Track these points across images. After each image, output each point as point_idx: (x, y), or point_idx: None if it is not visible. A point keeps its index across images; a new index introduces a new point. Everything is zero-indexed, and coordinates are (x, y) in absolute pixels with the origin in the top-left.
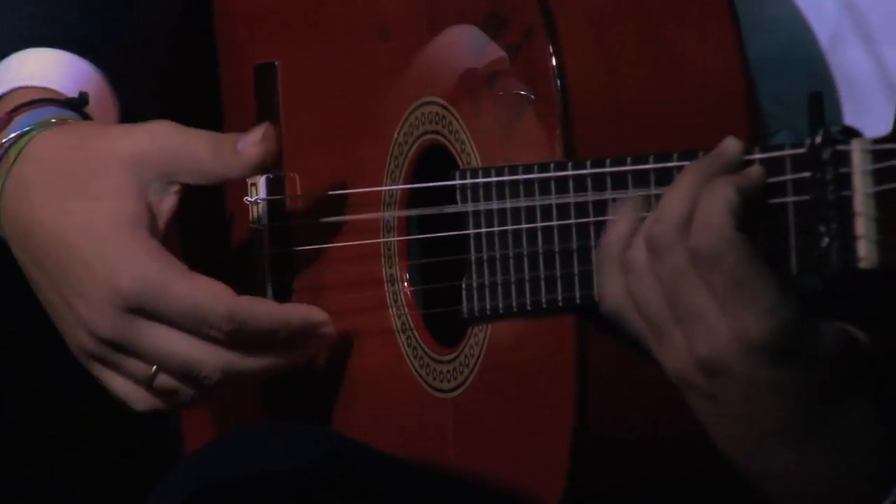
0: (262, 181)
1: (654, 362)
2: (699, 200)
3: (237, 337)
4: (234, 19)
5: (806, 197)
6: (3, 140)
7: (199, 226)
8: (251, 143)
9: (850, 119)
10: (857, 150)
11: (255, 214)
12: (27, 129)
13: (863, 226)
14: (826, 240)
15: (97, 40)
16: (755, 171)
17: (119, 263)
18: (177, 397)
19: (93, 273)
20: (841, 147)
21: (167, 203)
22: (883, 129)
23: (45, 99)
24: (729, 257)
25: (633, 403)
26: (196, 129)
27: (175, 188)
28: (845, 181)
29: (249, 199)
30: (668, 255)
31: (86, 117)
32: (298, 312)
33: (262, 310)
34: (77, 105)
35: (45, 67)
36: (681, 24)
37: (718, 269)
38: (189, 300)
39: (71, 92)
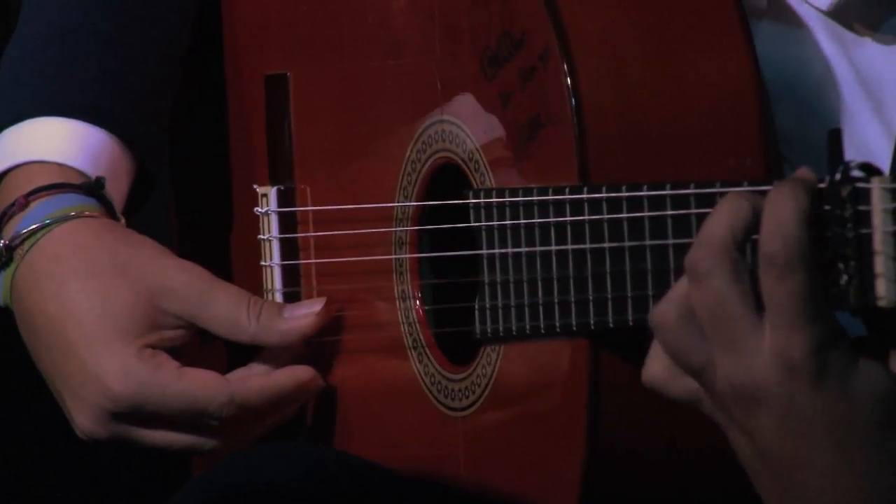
0: (272, 193)
1: None
2: (767, 207)
3: (235, 419)
4: (243, 30)
5: (825, 233)
6: (20, 229)
7: (206, 235)
8: (301, 314)
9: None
10: (876, 188)
11: (265, 226)
12: (47, 221)
13: (882, 264)
14: (845, 277)
15: (113, 105)
16: (811, 175)
17: (112, 370)
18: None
19: (88, 377)
20: (860, 184)
21: (177, 335)
22: (880, 163)
23: (62, 184)
24: (801, 272)
25: (645, 427)
26: (232, 285)
27: (192, 328)
28: (864, 219)
29: (260, 210)
30: (707, 279)
31: (103, 200)
32: (289, 379)
33: (256, 387)
34: (94, 189)
35: (60, 140)
36: (695, 46)
37: (789, 280)
38: (186, 398)
39: (86, 166)
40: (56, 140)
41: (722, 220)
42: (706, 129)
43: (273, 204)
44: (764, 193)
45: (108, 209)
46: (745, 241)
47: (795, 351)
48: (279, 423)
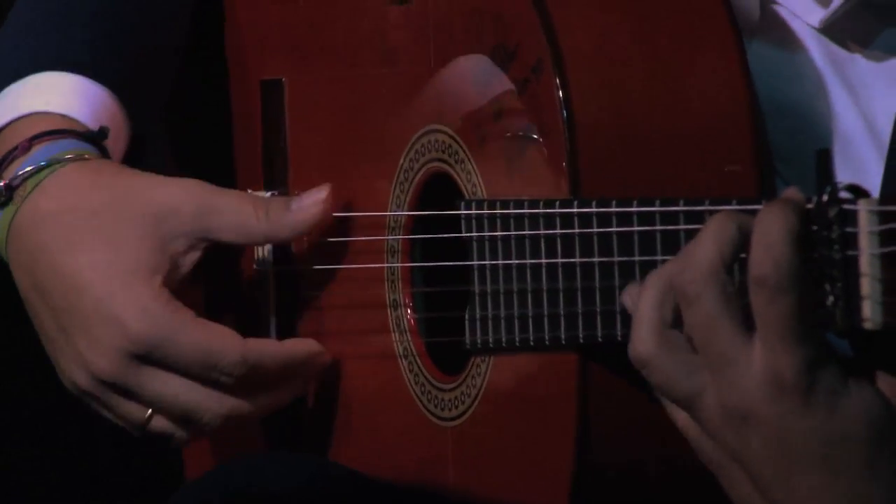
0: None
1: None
2: (757, 228)
3: (245, 381)
4: (243, 35)
5: (812, 254)
6: (23, 169)
7: None
8: (308, 203)
9: (844, 175)
10: (863, 210)
11: None
12: (48, 161)
13: (868, 286)
14: (831, 298)
15: (111, 64)
16: (799, 195)
17: (131, 308)
18: (169, 439)
19: (102, 315)
20: (848, 206)
21: (191, 257)
22: (872, 180)
23: (65, 130)
24: (792, 293)
25: (634, 439)
26: (234, 191)
27: (203, 245)
28: (851, 241)
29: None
30: (698, 302)
31: (104, 151)
32: (300, 348)
33: (270, 351)
34: (96, 138)
35: (63, 93)
36: (688, 61)
37: (780, 301)
38: (201, 347)
39: (87, 119)
40: (59, 93)
41: (709, 242)
42: (698, 144)
43: None
44: (752, 213)
45: (107, 158)
46: (734, 261)
47: (786, 370)
48: (280, 406)
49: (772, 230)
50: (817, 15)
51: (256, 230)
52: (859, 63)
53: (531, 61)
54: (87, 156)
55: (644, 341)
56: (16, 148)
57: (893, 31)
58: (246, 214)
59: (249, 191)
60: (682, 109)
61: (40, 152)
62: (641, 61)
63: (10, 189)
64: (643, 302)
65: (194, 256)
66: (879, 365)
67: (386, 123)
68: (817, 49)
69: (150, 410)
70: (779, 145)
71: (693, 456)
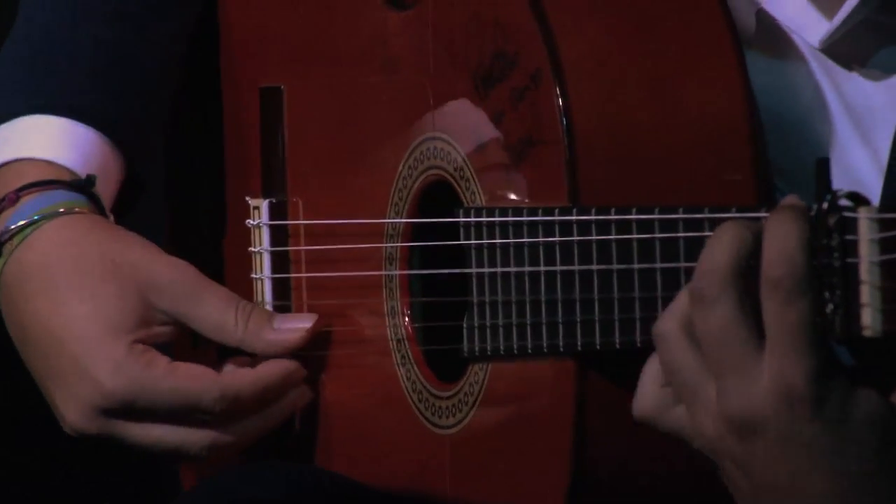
0: (264, 205)
1: None
2: (769, 233)
3: (226, 413)
4: (240, 42)
5: (812, 262)
6: (10, 224)
7: (198, 246)
8: (291, 327)
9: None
10: (863, 218)
11: (256, 238)
12: (36, 217)
13: (867, 294)
14: (830, 306)
15: (103, 105)
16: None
17: (105, 365)
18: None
19: (78, 370)
20: (847, 214)
21: (165, 332)
22: (871, 194)
23: (53, 181)
24: (806, 298)
25: (631, 448)
26: (222, 287)
27: (178, 326)
28: (851, 248)
29: (251, 222)
30: (714, 306)
31: (93, 198)
32: (275, 369)
33: (248, 379)
34: (84, 187)
35: (49, 138)
36: (688, 70)
37: (794, 305)
38: (179, 393)
39: (76, 164)
40: (46, 138)
41: (726, 248)
42: (697, 153)
43: (265, 216)
44: (752, 220)
45: (98, 207)
46: (749, 268)
47: (798, 378)
48: (266, 429)
49: (787, 233)
50: (817, 33)
51: (232, 336)
52: (857, 80)
53: (531, 69)
54: (77, 209)
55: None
56: (3, 200)
57: (890, 49)
58: (227, 316)
59: (248, 198)
60: (682, 119)
61: (29, 205)
62: (641, 71)
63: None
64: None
65: (170, 332)
66: (878, 372)
67: (385, 131)
68: (815, 64)
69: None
70: (776, 158)
71: (690, 466)
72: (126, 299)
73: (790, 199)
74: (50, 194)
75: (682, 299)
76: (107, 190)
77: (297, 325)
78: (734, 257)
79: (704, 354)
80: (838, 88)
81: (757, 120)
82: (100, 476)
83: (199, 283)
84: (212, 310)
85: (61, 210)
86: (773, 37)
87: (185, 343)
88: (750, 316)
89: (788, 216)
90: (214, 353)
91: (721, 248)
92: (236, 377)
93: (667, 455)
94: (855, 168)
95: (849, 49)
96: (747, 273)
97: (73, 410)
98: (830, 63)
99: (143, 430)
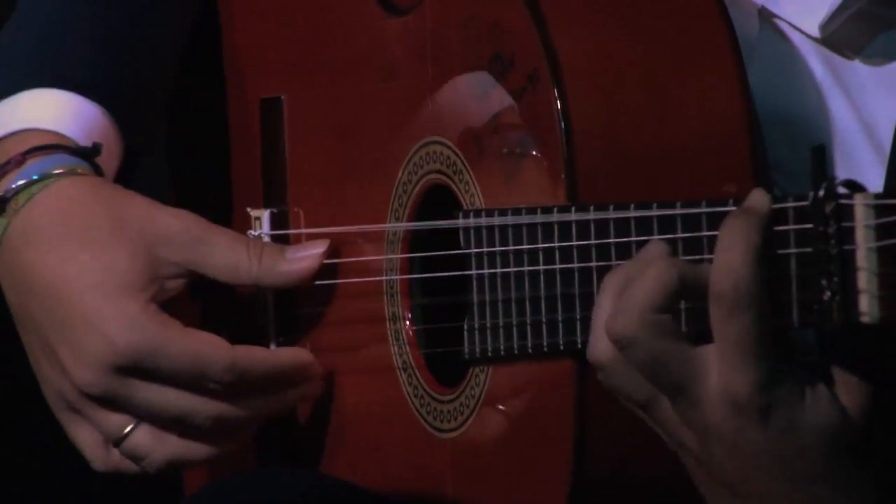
0: (265, 215)
1: None
2: (719, 241)
3: (234, 387)
4: (242, 54)
5: (808, 249)
6: (15, 182)
7: None
8: (304, 254)
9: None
10: (860, 205)
11: None
12: (41, 175)
13: (865, 280)
14: (828, 293)
15: (105, 82)
16: (763, 203)
17: (118, 321)
18: (141, 463)
19: (90, 327)
20: (844, 201)
21: (177, 284)
22: (873, 187)
23: (57, 145)
24: (749, 312)
25: (632, 448)
26: (229, 230)
27: (192, 276)
28: (848, 235)
29: (253, 233)
30: (633, 346)
31: (96, 167)
32: (289, 355)
33: (259, 357)
34: (89, 155)
35: (54, 110)
36: (685, 72)
37: (737, 319)
38: (189, 356)
39: (78, 135)
40: (51, 110)
41: (640, 288)
42: (695, 155)
43: (266, 227)
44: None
45: (98, 175)
46: (668, 306)
47: (742, 389)
48: (269, 416)
49: (732, 248)
50: (815, 21)
51: (246, 272)
52: (858, 69)
53: (528, 70)
54: (80, 171)
55: (599, 346)
56: (8, 162)
57: (887, 36)
58: (239, 254)
59: (249, 209)
60: (680, 121)
61: (33, 166)
62: (638, 70)
63: (3, 202)
64: (599, 307)
65: (180, 284)
66: (843, 362)
67: (384, 137)
68: (816, 58)
69: (131, 425)
70: (779, 156)
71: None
72: (136, 255)
73: (754, 198)
74: (56, 157)
75: (600, 319)
76: (107, 165)
77: (311, 252)
78: (650, 296)
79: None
80: (840, 81)
81: (754, 118)
82: (102, 481)
83: (206, 228)
84: (223, 251)
85: (66, 170)
86: (776, 34)
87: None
88: (678, 338)
89: (739, 226)
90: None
91: (640, 287)
92: (249, 351)
93: (668, 457)
94: (859, 164)
95: (847, 38)
96: (668, 308)
97: (82, 366)
98: (830, 54)
99: (151, 391)
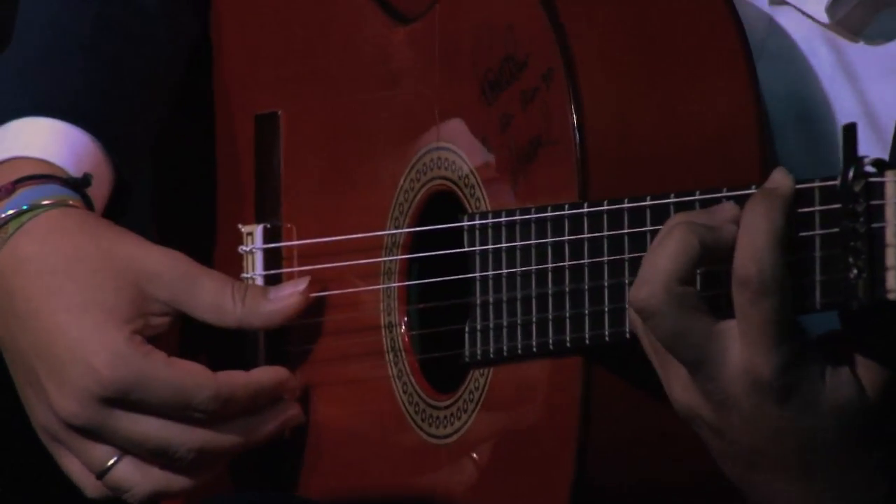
0: (258, 230)
1: (660, 408)
2: (743, 224)
3: (217, 414)
4: (233, 68)
5: (834, 229)
6: (6, 212)
7: None
8: (286, 294)
9: None
10: (891, 182)
11: (249, 264)
12: (31, 205)
13: (893, 257)
14: (854, 271)
15: (96, 110)
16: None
17: (103, 353)
18: (124, 495)
19: (74, 358)
20: (874, 179)
21: (161, 321)
22: None
23: (48, 175)
24: (773, 296)
25: (636, 452)
26: (215, 271)
27: (175, 314)
28: (877, 213)
29: (244, 248)
30: (655, 318)
31: (86, 198)
32: (268, 375)
33: (241, 382)
34: (79, 185)
35: (45, 138)
36: (697, 72)
37: (761, 303)
38: (173, 387)
39: (69, 164)
40: (41, 138)
41: (663, 255)
42: (706, 154)
43: (258, 242)
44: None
45: (89, 206)
46: (691, 274)
47: (764, 371)
48: (251, 444)
49: (756, 232)
50: (821, 5)
51: (230, 314)
52: (862, 50)
53: (541, 70)
54: (70, 202)
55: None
56: None
57: (888, 14)
58: (224, 296)
59: (240, 225)
60: (691, 120)
61: (23, 195)
62: (651, 71)
63: None
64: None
65: (165, 322)
66: (864, 342)
67: (385, 146)
68: (823, 45)
69: (115, 457)
70: (791, 155)
71: (699, 467)
72: (123, 290)
73: (776, 177)
74: (46, 187)
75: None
76: (98, 193)
77: (292, 290)
78: (673, 264)
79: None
80: (845, 62)
81: (765, 120)
82: None
83: (193, 270)
84: (208, 293)
85: (56, 201)
86: (785, 32)
87: (174, 346)
88: (701, 313)
89: (761, 208)
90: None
91: (660, 255)
92: (231, 377)
93: (674, 454)
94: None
95: (854, 19)
96: (690, 278)
97: (66, 397)
98: (836, 38)
99: (134, 422)
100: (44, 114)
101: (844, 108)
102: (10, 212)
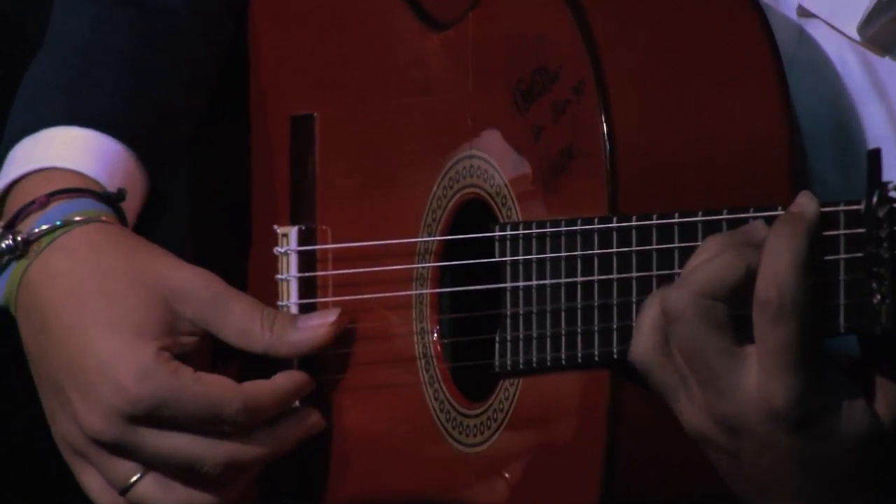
0: (293, 232)
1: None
2: (766, 247)
3: (244, 427)
4: (269, 70)
5: (858, 254)
6: (39, 226)
7: (224, 272)
8: (314, 324)
9: None
10: None
11: (284, 266)
12: (64, 220)
13: None
14: (878, 297)
15: (130, 120)
16: (812, 209)
17: (132, 370)
18: None
19: (103, 375)
20: None
21: (190, 341)
22: None
23: (83, 189)
24: (792, 321)
25: (664, 463)
26: (246, 295)
27: (203, 335)
28: None
29: (279, 249)
30: (678, 321)
31: (120, 212)
32: (289, 381)
33: (268, 391)
34: (113, 200)
35: (78, 148)
36: (728, 86)
37: (780, 328)
38: (202, 402)
39: (102, 177)
40: (74, 149)
41: (707, 269)
42: (736, 169)
43: (293, 243)
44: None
45: (122, 221)
46: (728, 296)
47: (779, 398)
48: (277, 454)
49: (779, 257)
50: (853, 22)
51: (258, 341)
52: (891, 67)
53: (573, 82)
54: (104, 218)
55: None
56: (33, 202)
57: None
58: (252, 324)
59: (276, 227)
60: (721, 135)
61: (57, 209)
62: (682, 84)
63: (27, 243)
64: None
65: (194, 342)
66: (884, 369)
67: (419, 152)
68: (855, 60)
69: (138, 474)
70: (822, 171)
71: (721, 484)
72: (153, 307)
73: (801, 201)
74: (80, 201)
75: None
76: (130, 205)
77: (321, 322)
78: (711, 279)
79: (682, 362)
80: (876, 78)
81: (796, 134)
82: None
83: (224, 292)
84: (237, 317)
85: (89, 217)
86: (815, 45)
87: (205, 361)
88: (724, 329)
89: (786, 234)
90: (234, 372)
91: (704, 267)
92: (256, 388)
93: (701, 465)
94: (890, 165)
95: (886, 36)
96: (726, 299)
97: (93, 413)
98: (867, 53)
99: (161, 439)
100: (77, 123)
101: (875, 125)
102: (44, 227)
